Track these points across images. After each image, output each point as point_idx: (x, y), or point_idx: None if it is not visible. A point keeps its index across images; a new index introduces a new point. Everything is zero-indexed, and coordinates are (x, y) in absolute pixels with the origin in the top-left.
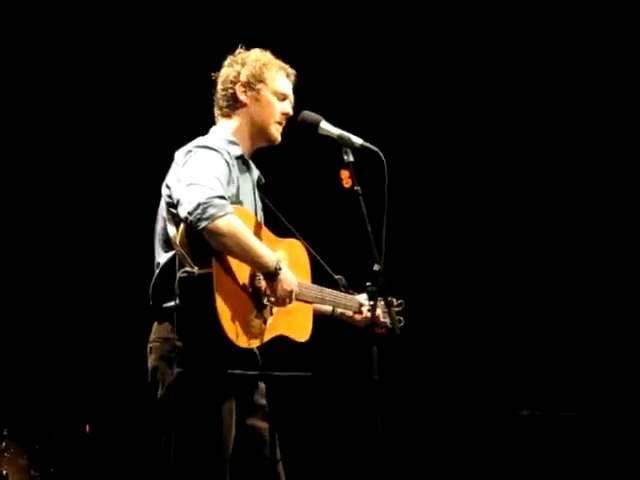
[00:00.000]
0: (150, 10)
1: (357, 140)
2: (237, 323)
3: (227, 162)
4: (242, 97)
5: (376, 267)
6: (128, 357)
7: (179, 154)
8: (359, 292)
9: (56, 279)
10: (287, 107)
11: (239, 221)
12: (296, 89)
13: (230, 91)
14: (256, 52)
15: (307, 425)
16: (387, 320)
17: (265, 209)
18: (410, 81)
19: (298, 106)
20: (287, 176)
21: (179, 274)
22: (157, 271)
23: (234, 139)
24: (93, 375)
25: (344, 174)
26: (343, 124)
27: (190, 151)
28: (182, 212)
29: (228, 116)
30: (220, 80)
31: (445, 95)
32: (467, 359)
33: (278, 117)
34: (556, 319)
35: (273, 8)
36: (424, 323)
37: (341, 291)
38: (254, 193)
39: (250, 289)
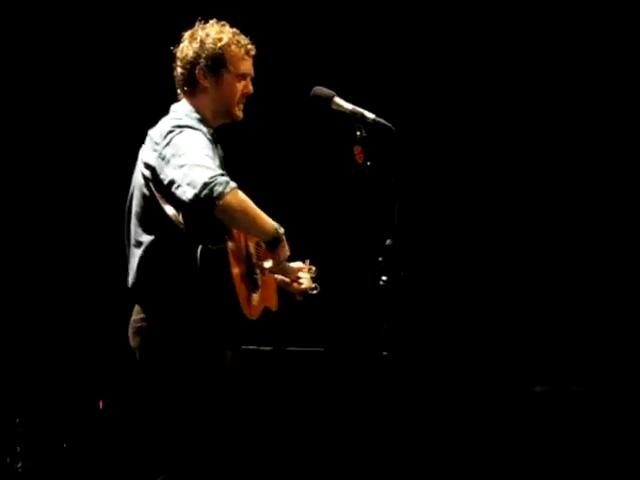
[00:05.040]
0: None
1: (370, 115)
2: (245, 296)
3: (209, 140)
4: (202, 81)
5: (388, 242)
6: None
7: (155, 134)
8: None
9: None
10: (248, 86)
11: (243, 194)
12: (302, 65)
13: (190, 72)
14: (215, 28)
15: (319, 400)
16: (303, 286)
17: None
18: (419, 63)
19: (309, 82)
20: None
21: (200, 248)
22: (141, 251)
23: (200, 117)
24: (107, 351)
25: (357, 149)
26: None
27: (171, 131)
28: (186, 195)
29: (190, 95)
30: (179, 57)
31: (452, 80)
32: (480, 336)
33: (239, 98)
34: (569, 295)
35: None
36: (438, 298)
37: None
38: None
39: (246, 263)
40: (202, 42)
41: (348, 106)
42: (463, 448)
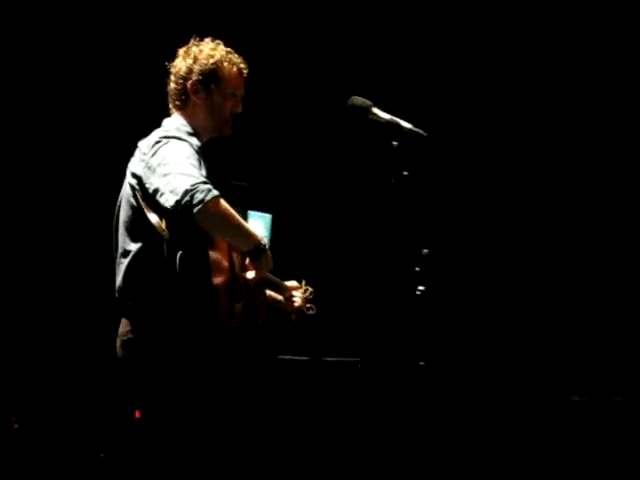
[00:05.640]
0: None
1: (406, 125)
2: (225, 305)
3: (196, 151)
4: (193, 96)
5: (425, 251)
6: None
7: (145, 145)
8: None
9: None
10: (237, 105)
11: (225, 203)
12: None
13: (182, 87)
14: (209, 46)
15: (355, 410)
16: (295, 305)
17: None
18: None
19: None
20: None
21: (179, 254)
22: (128, 259)
23: (192, 131)
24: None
25: (394, 160)
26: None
27: (158, 142)
28: (168, 202)
29: (181, 109)
30: (173, 72)
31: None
32: (517, 345)
33: (228, 116)
34: (607, 306)
35: None
36: (474, 309)
37: None
38: None
39: (229, 273)
40: (195, 58)
41: (385, 116)
42: (500, 458)
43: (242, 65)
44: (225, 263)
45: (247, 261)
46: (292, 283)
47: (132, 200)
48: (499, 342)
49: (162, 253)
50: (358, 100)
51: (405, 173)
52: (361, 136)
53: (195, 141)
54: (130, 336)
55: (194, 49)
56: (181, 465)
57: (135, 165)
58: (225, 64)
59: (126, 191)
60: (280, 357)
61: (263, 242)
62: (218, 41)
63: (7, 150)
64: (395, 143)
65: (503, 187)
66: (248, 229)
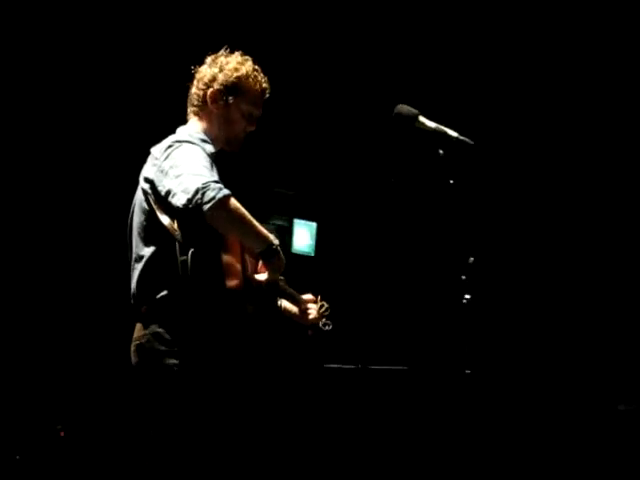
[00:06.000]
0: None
1: (452, 133)
2: (238, 306)
3: (208, 155)
4: (211, 105)
5: (471, 259)
6: None
7: (157, 150)
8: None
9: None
10: (251, 125)
11: (237, 202)
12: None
13: (202, 93)
14: (237, 59)
15: (404, 416)
16: (310, 317)
17: None
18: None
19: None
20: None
21: (190, 251)
22: (141, 264)
23: (206, 138)
24: None
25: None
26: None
27: (170, 146)
28: (180, 201)
29: (198, 115)
30: (197, 77)
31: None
32: (565, 355)
33: (240, 132)
34: None
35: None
36: (520, 317)
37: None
38: None
39: (242, 276)
40: (221, 68)
41: (431, 124)
42: (547, 466)
43: (265, 85)
44: (237, 266)
45: (260, 265)
46: (308, 296)
47: (145, 205)
48: (545, 351)
49: (175, 257)
50: (404, 109)
51: (452, 181)
52: (408, 145)
53: (208, 147)
54: (144, 341)
55: (222, 59)
56: (195, 470)
57: (148, 170)
58: (249, 80)
59: (139, 197)
60: (326, 366)
61: (275, 243)
62: (247, 57)
63: (24, 159)
64: (441, 151)
65: (551, 196)
66: (260, 229)
